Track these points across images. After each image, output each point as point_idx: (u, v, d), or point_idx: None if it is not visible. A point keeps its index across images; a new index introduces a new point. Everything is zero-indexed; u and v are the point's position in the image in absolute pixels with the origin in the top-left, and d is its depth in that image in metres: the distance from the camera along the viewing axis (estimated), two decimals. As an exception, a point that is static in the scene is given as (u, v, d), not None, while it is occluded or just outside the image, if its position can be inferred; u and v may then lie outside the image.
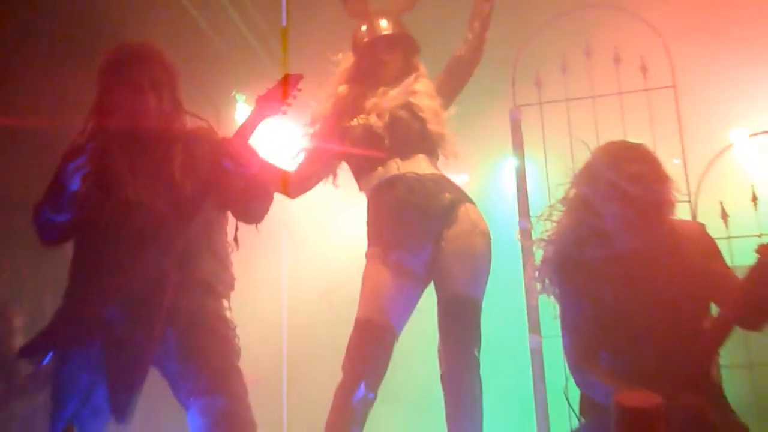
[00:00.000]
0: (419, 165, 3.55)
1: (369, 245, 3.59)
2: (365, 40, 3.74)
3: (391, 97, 3.64)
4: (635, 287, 2.94)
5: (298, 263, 7.12)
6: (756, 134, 5.76)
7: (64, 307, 3.07)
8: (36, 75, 4.83)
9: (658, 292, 2.92)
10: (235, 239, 3.21)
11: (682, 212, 4.02)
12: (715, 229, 4.17)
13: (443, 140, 3.64)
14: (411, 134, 3.58)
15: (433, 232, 3.46)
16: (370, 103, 3.64)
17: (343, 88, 3.73)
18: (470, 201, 3.59)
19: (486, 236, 3.53)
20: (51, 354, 3.01)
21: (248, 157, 2.96)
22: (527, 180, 4.47)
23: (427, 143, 3.63)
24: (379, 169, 3.55)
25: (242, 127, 3.01)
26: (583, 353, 2.95)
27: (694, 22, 6.24)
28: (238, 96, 7.26)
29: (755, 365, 4.09)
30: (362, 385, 3.31)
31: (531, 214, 4.35)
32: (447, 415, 3.34)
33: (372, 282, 3.46)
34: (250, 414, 2.98)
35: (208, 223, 3.09)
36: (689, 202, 4.35)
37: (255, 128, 3.01)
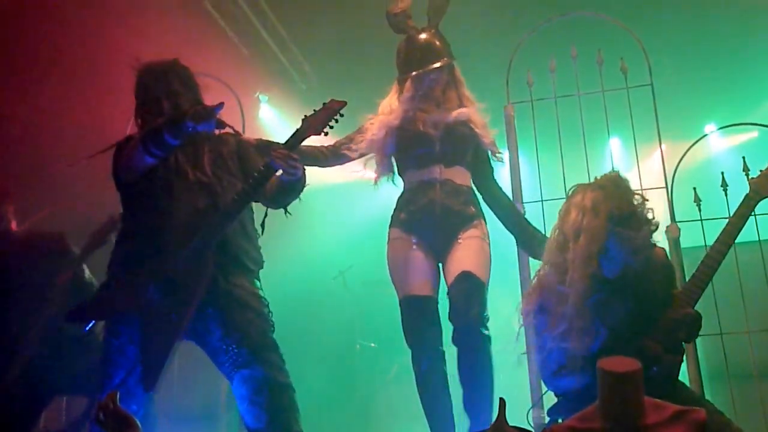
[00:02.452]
0: (457, 176, 3.69)
1: (392, 226, 3.72)
2: (414, 73, 3.77)
3: (449, 114, 3.74)
4: (607, 315, 2.98)
5: (314, 245, 7.12)
6: (725, 127, 5.73)
7: (109, 281, 3.10)
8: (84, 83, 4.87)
9: (627, 316, 2.96)
10: (262, 224, 3.27)
11: (659, 198, 4.03)
12: (688, 212, 4.19)
13: (495, 146, 3.85)
14: (459, 147, 3.72)
15: (451, 232, 3.60)
16: (429, 116, 3.73)
17: (403, 105, 3.78)
18: (484, 218, 3.74)
19: (489, 246, 3.67)
20: (93, 322, 3.05)
21: (296, 165, 3.05)
22: (520, 170, 4.46)
23: (469, 157, 3.76)
24: (424, 169, 3.68)
25: (290, 140, 3.11)
26: (553, 369, 3.02)
27: (670, 27, 6.23)
28: (261, 96, 7.27)
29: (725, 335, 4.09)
30: (428, 352, 3.47)
31: (523, 200, 4.35)
32: (462, 383, 3.40)
33: (401, 264, 3.61)
34: (288, 379, 3.05)
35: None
36: (666, 188, 4.34)
37: (301, 142, 3.13)
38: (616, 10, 5.05)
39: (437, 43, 3.82)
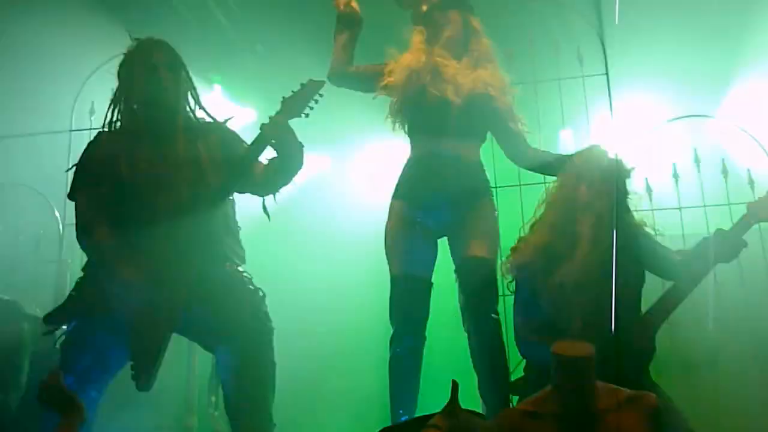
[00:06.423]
0: (468, 149, 3.56)
1: (394, 197, 3.58)
2: (424, 8, 3.67)
3: (469, 76, 3.57)
4: (589, 276, 3.02)
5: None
6: (677, 118, 5.83)
7: (87, 277, 3.04)
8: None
9: (606, 278, 3.02)
10: (264, 209, 3.26)
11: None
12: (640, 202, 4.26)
13: (510, 113, 3.60)
14: (476, 120, 3.55)
15: (456, 207, 3.47)
16: (449, 73, 3.56)
17: (419, 56, 3.62)
18: (492, 195, 3.61)
19: (497, 221, 3.57)
20: (74, 323, 2.98)
21: (289, 141, 3.12)
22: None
23: (483, 130, 3.63)
24: (435, 139, 3.52)
25: (270, 124, 3.12)
26: (531, 329, 3.09)
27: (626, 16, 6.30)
28: (213, 77, 7.18)
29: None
30: (410, 334, 3.40)
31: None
32: (477, 369, 3.36)
33: (399, 239, 3.48)
34: (272, 354, 3.10)
35: (225, 203, 3.17)
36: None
37: (283, 125, 3.14)
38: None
39: None
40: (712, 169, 4.43)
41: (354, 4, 3.70)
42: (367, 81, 3.67)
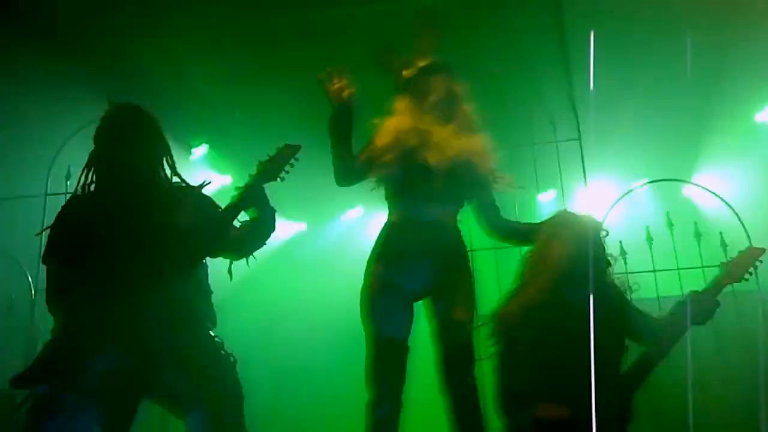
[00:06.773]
0: (448, 216, 3.57)
1: (374, 261, 3.54)
2: (406, 74, 3.67)
3: (453, 143, 3.55)
4: (575, 339, 3.02)
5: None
6: (651, 182, 5.92)
7: (56, 340, 2.99)
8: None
9: (588, 339, 3.02)
10: (229, 271, 3.27)
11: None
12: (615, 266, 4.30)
13: (494, 175, 3.60)
14: (459, 186, 3.55)
15: (435, 272, 3.46)
16: (434, 139, 3.54)
17: (404, 119, 3.59)
18: (469, 260, 3.60)
19: (474, 282, 3.57)
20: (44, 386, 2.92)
21: (264, 205, 3.13)
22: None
23: (464, 197, 3.62)
24: (417, 204, 3.53)
25: (247, 188, 3.12)
26: (512, 394, 3.05)
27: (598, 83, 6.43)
28: (192, 142, 7.20)
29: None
30: (389, 397, 3.37)
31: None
32: (453, 429, 3.34)
33: (376, 303, 3.45)
34: (243, 421, 3.03)
35: (198, 267, 3.14)
36: (592, 241, 4.44)
37: (259, 189, 3.14)
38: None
39: (432, 57, 3.69)
40: (685, 232, 4.48)
41: (351, 90, 3.54)
42: (369, 168, 3.62)
